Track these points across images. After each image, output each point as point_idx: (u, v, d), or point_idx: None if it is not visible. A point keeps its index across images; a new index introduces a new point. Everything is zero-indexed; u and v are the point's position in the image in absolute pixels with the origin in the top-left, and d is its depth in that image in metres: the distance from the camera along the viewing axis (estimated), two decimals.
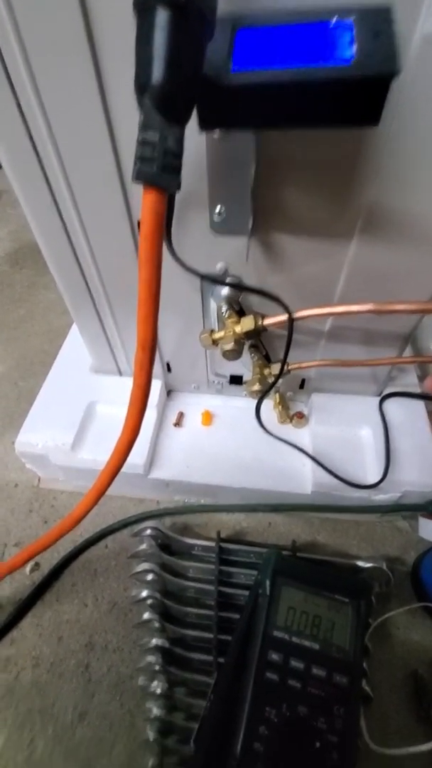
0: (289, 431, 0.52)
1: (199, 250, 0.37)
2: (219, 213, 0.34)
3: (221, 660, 0.39)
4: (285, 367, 0.43)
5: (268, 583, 0.38)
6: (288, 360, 0.41)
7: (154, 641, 0.41)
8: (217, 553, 0.45)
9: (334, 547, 0.50)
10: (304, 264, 0.38)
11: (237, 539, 0.50)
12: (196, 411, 0.55)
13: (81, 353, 0.54)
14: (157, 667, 0.40)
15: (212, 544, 0.46)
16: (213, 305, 0.42)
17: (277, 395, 0.54)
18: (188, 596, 0.44)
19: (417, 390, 0.51)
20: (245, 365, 0.50)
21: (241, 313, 0.41)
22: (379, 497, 0.46)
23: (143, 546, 0.46)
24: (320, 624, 0.37)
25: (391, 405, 0.51)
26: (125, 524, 0.51)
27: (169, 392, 0.58)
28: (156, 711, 0.38)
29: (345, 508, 0.47)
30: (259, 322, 0.39)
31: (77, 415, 0.51)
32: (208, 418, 0.54)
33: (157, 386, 0.54)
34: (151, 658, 0.40)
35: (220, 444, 0.52)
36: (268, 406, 0.55)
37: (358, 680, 0.35)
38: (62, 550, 0.50)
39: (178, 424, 0.54)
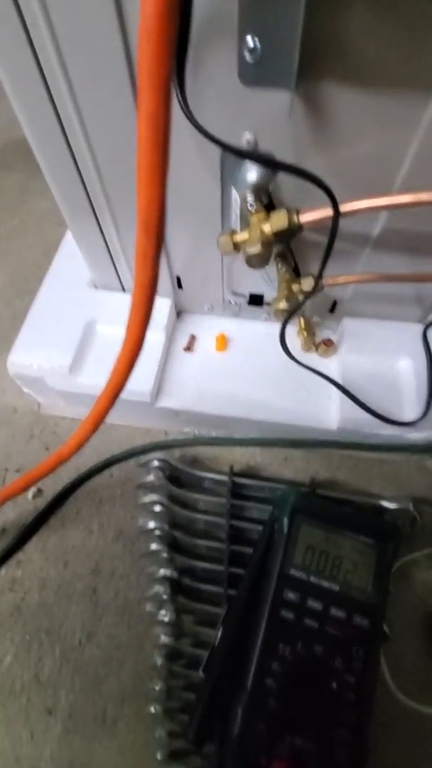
0: (313, 361, 0.46)
1: (220, 111, 0.28)
2: (252, 49, 0.24)
3: (232, 592, 0.38)
4: (320, 281, 0.36)
5: (286, 521, 0.35)
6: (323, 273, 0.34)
7: (162, 571, 0.40)
8: (229, 487, 0.42)
9: (355, 485, 0.47)
10: (362, 135, 0.28)
11: (250, 474, 0.47)
12: (209, 335, 0.49)
13: (77, 265, 0.47)
14: (164, 597, 0.39)
15: (224, 477, 0.43)
16: (235, 197, 0.34)
17: (302, 319, 0.47)
18: (198, 528, 0.42)
19: None
20: (268, 281, 0.43)
21: (270, 207, 0.33)
22: (413, 435, 0.41)
23: (150, 477, 0.43)
24: (341, 565, 0.34)
25: None
26: (131, 454, 0.47)
27: (179, 313, 0.51)
28: (164, 638, 0.37)
29: (375, 446, 0.43)
30: (294, 219, 0.31)
31: (75, 334, 0.45)
32: (222, 342, 0.48)
33: (165, 305, 0.47)
34: (158, 588, 0.39)
35: (236, 372, 0.46)
36: (291, 332, 0.48)
37: (380, 623, 0.32)
38: (66, 478, 0.47)
39: (189, 348, 0.48)
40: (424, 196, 0.28)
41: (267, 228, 0.32)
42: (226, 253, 0.34)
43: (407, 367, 0.43)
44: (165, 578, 0.39)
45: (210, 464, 0.48)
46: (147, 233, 0.20)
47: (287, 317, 0.37)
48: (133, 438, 0.49)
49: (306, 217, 0.31)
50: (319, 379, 0.45)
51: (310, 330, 0.47)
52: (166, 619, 0.38)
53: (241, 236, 0.33)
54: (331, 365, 0.46)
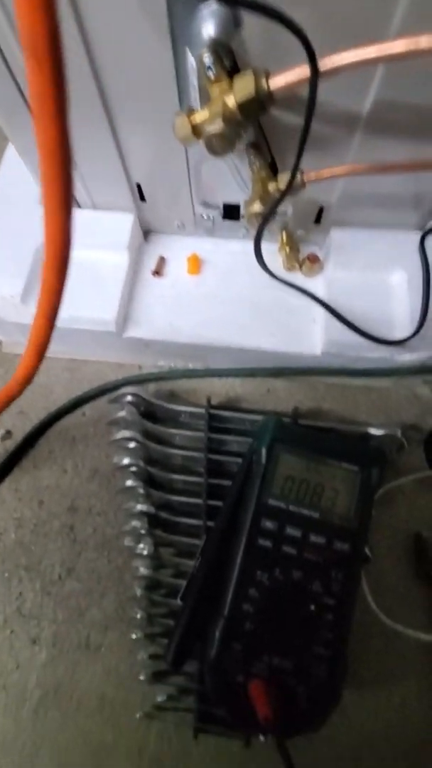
0: (297, 280, 0.42)
1: None
2: None
3: (211, 524, 0.37)
4: (299, 173, 0.30)
5: (264, 450, 0.33)
6: (305, 164, 0.28)
7: (139, 507, 0.38)
8: (206, 420, 0.39)
9: (341, 414, 0.44)
10: None
11: (230, 406, 0.44)
12: (180, 256, 0.43)
13: (25, 180, 0.40)
14: (142, 531, 0.38)
15: (201, 410, 0.40)
16: (191, 63, 0.27)
17: (284, 233, 0.42)
18: (175, 464, 0.40)
19: None
20: (243, 185, 0.37)
21: (234, 71, 0.27)
22: (404, 357, 0.38)
23: (122, 413, 0.40)
24: (322, 492, 0.32)
25: None
26: (103, 391, 0.44)
27: (146, 234, 0.45)
28: (143, 570, 0.36)
29: (362, 371, 0.39)
30: (263, 84, 0.25)
31: (25, 260, 0.40)
32: (195, 264, 0.43)
33: (127, 221, 0.41)
34: (136, 523, 0.38)
35: (211, 296, 0.42)
36: (272, 249, 0.43)
37: (361, 546, 0.31)
38: (35, 418, 0.44)
39: (158, 272, 0.43)
40: (423, 42, 0.22)
41: (230, 100, 0.26)
42: (184, 140, 0.28)
43: (401, 281, 0.38)
44: (142, 513, 0.38)
45: (188, 398, 0.45)
46: (34, 56, 0.15)
47: (263, 223, 0.32)
48: (104, 374, 0.46)
49: (278, 82, 0.24)
50: (303, 300, 0.41)
51: (293, 245, 0.42)
52: (145, 552, 0.37)
53: (201, 115, 0.27)
54: (316, 285, 0.41)
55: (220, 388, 0.46)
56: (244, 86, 0.25)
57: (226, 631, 0.29)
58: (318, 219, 0.40)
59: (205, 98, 0.27)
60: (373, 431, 0.39)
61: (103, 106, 0.31)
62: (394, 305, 0.38)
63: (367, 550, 0.37)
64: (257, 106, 0.26)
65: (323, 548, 0.31)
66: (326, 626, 0.29)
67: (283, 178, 0.32)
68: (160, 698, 0.34)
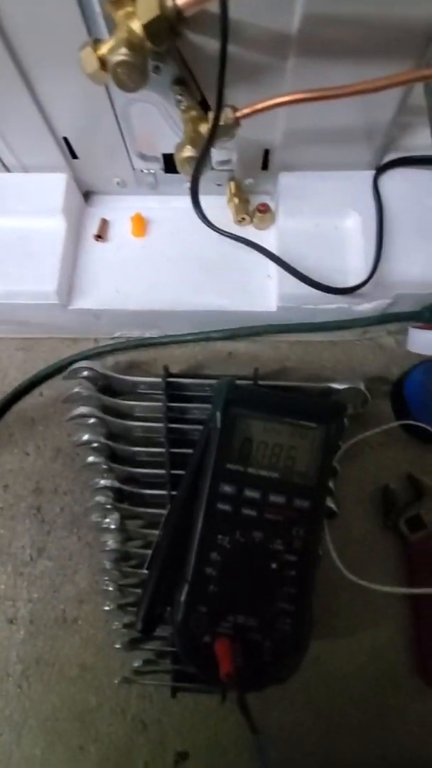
0: (249, 234, 0.39)
1: None
2: None
3: (175, 494, 0.36)
4: (229, 109, 0.28)
5: (218, 415, 0.32)
6: (237, 100, 0.25)
7: (102, 482, 0.38)
8: (164, 389, 0.38)
9: (305, 372, 0.43)
10: None
11: (189, 373, 0.43)
12: (125, 217, 0.40)
13: None
14: (108, 506, 0.37)
15: (158, 380, 0.38)
16: None
17: (232, 184, 0.39)
18: (136, 436, 0.39)
19: (431, 152, 0.36)
20: (176, 129, 0.34)
21: None
22: (363, 307, 0.36)
23: (76, 389, 0.39)
24: (281, 452, 0.31)
25: (390, 179, 0.36)
26: (59, 369, 0.42)
27: (87, 195, 0.42)
28: (111, 543, 0.36)
29: (320, 325, 0.38)
30: (168, 0, 0.22)
31: None
32: (140, 225, 0.40)
33: (59, 182, 0.38)
34: (101, 498, 0.37)
35: (159, 258, 0.39)
36: (220, 202, 0.40)
37: (322, 502, 0.31)
38: None
39: (100, 236, 0.40)
40: None
41: (135, 24, 0.23)
42: (93, 76, 0.25)
43: (354, 224, 0.36)
44: (106, 488, 0.37)
45: (148, 368, 0.44)
46: None
47: (198, 169, 0.29)
48: (59, 351, 0.44)
49: None
50: (256, 255, 0.39)
51: (242, 196, 0.39)
52: (112, 525, 0.37)
53: (107, 45, 0.24)
54: (269, 238, 0.39)
55: (180, 356, 0.44)
56: (147, 5, 0.22)
57: (190, 595, 0.29)
58: (265, 164, 0.37)
59: (113, 27, 0.24)
60: (336, 386, 0.38)
61: (6, 49, 0.28)
62: (348, 252, 0.36)
63: (332, 505, 0.37)
64: (166, 28, 0.23)
65: (283, 507, 0.30)
66: (289, 582, 0.29)
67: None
68: (136, 664, 0.35)
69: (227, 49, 0.22)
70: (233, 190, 0.39)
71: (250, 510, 0.30)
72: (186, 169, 0.30)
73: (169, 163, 0.38)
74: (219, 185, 0.40)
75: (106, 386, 0.41)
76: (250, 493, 0.31)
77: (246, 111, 0.28)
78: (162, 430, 0.38)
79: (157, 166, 0.39)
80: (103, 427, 0.39)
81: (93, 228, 0.40)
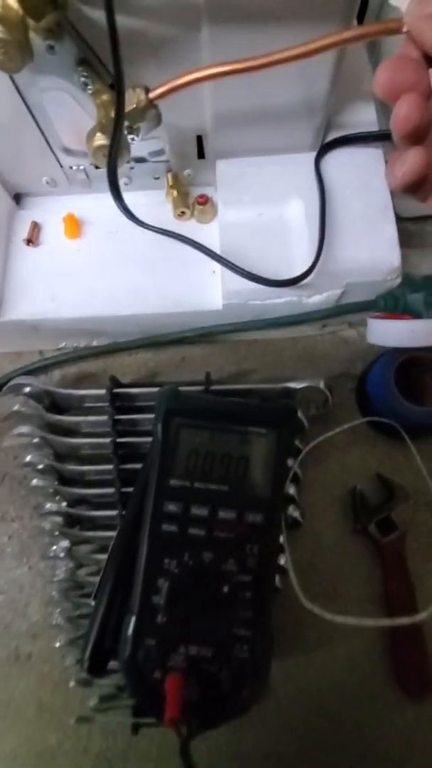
0: (191, 230, 0.37)
1: None
2: None
3: None
4: (141, 90, 0.25)
5: (159, 427, 0.29)
6: (151, 80, 0.23)
7: (48, 506, 0.35)
8: (109, 400, 0.35)
9: (264, 373, 0.41)
10: None
11: (138, 383, 0.40)
12: (58, 219, 0.38)
13: None
14: (56, 532, 0.34)
15: (103, 392, 0.36)
16: None
17: (169, 175, 0.36)
18: (84, 454, 0.37)
19: (374, 128, 0.33)
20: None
21: None
22: (314, 300, 0.34)
23: (17, 407, 0.36)
24: (230, 463, 0.29)
25: (333, 161, 0.34)
26: (0, 385, 0.40)
27: (18, 198, 0.39)
28: (60, 573, 0.34)
29: (271, 322, 0.35)
30: None
31: None
32: (73, 226, 0.37)
33: None
34: (47, 524, 0.35)
35: (96, 260, 0.37)
36: (160, 197, 0.38)
37: (276, 514, 0.29)
38: None
39: (31, 241, 0.37)
40: None
41: None
42: None
43: (298, 211, 0.33)
44: (53, 512, 0.35)
45: (98, 380, 0.41)
46: None
47: (112, 159, 0.27)
48: (1, 366, 0.41)
49: None
50: (199, 253, 0.36)
51: (180, 189, 0.36)
52: (61, 554, 0.34)
53: None
54: (212, 232, 0.36)
55: (131, 365, 0.41)
56: None
57: (137, 627, 0.27)
58: (201, 152, 0.35)
59: None
60: (293, 385, 0.35)
61: None
62: (293, 242, 0.33)
63: (296, 514, 0.35)
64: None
65: (234, 523, 0.28)
66: (244, 605, 0.27)
67: (129, 96, 0.26)
68: (92, 702, 0.32)
69: (125, 22, 0.20)
70: (170, 182, 0.36)
71: (198, 529, 0.28)
72: (100, 158, 0.27)
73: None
74: (157, 178, 0.37)
75: (52, 402, 0.38)
76: (198, 511, 0.28)
77: (160, 91, 0.25)
78: (109, 445, 0.35)
79: (86, 162, 0.36)
80: (48, 446, 0.36)
81: (25, 232, 0.37)
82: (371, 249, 0.31)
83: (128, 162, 0.36)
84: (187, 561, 0.27)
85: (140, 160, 0.36)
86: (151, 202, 0.37)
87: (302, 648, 0.34)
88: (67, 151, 0.35)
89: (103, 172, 0.36)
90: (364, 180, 0.33)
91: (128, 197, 0.38)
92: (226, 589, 0.27)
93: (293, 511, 0.34)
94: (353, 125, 0.34)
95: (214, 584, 0.27)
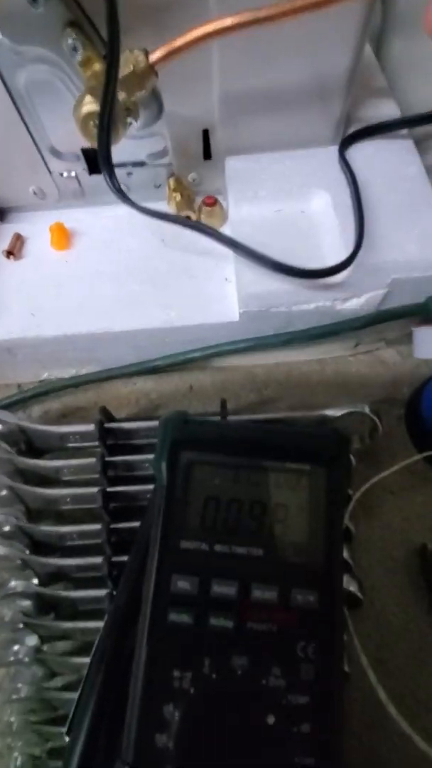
0: (197, 238, 0.32)
1: None
2: None
3: None
4: (141, 53, 0.21)
5: (164, 465, 0.21)
6: (150, 42, 0.18)
7: (14, 584, 0.26)
8: (98, 438, 0.28)
9: (289, 401, 0.33)
10: None
11: (135, 417, 0.33)
12: (44, 231, 0.33)
13: None
14: (20, 624, 0.25)
15: (92, 428, 0.28)
16: None
17: (172, 180, 0.32)
18: (65, 510, 0.28)
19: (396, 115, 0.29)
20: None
21: None
22: (351, 305, 0.27)
23: None
24: (264, 514, 0.21)
25: (359, 152, 0.30)
26: None
27: (2, 212, 0.35)
28: (22, 687, 0.23)
29: (296, 336, 0.29)
30: None
31: None
32: (62, 235, 0.32)
33: None
34: (8, 612, 0.25)
35: (87, 273, 0.31)
36: (160, 208, 0.33)
37: (337, 589, 0.20)
38: None
39: (12, 253, 0.32)
40: None
41: None
42: None
43: (324, 204, 0.28)
44: (19, 594, 0.26)
45: (88, 416, 0.34)
46: None
47: (104, 125, 0.22)
48: None
49: None
50: (211, 259, 0.31)
51: (184, 192, 0.32)
52: (26, 658, 0.24)
53: None
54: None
55: (128, 396, 0.34)
56: None
57: None
58: (208, 152, 0.31)
59: None
60: (331, 413, 0.28)
61: None
62: (321, 236, 0.28)
63: (353, 588, 0.25)
64: None
65: (276, 608, 0.19)
66: (301, 746, 0.17)
67: (123, 60, 0.22)
68: None
69: None
70: (173, 186, 0.32)
71: (222, 619, 0.19)
72: (90, 131, 0.22)
73: (93, 162, 0.31)
74: (158, 187, 0.33)
75: (28, 444, 0.30)
76: (222, 588, 0.19)
77: (161, 53, 0.21)
78: (98, 496, 0.27)
79: (79, 167, 0.32)
80: (17, 501, 0.28)
81: (3, 243, 0.32)
82: (420, 239, 0.26)
83: (125, 167, 0.32)
84: (208, 673, 0.18)
85: (139, 164, 0.32)
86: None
87: None
88: (57, 154, 0.31)
89: (96, 180, 0.33)
90: (396, 169, 0.29)
91: (124, 210, 0.34)
92: (272, 720, 0.17)
93: (348, 584, 0.25)
94: (374, 120, 0.30)
95: (251, 712, 0.17)
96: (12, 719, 0.23)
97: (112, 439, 0.29)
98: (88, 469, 0.28)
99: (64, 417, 0.34)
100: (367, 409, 0.28)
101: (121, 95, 0.24)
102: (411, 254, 0.26)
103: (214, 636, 0.18)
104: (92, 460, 0.27)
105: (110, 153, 0.23)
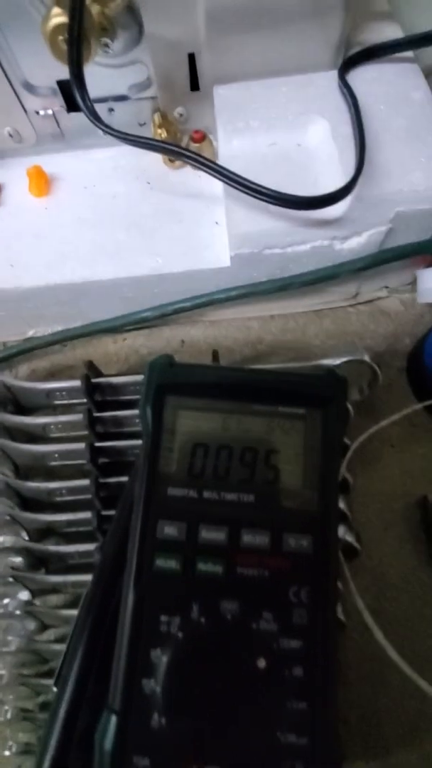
0: (185, 179, 0.30)
1: None
2: None
3: None
4: None
5: (149, 411, 0.20)
6: None
7: (3, 539, 0.25)
8: (85, 393, 0.27)
9: (285, 356, 0.32)
10: None
11: (131, 371, 0.31)
12: (21, 176, 0.31)
13: None
14: (10, 578, 0.24)
15: (78, 383, 0.27)
16: None
17: (157, 115, 0.30)
18: (54, 466, 0.27)
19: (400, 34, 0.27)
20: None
21: None
22: (351, 244, 0.25)
23: None
24: (255, 460, 0.20)
25: (360, 75, 0.27)
26: None
27: None
28: (13, 640, 0.23)
29: (291, 281, 0.27)
30: None
31: None
32: (40, 180, 0.30)
33: None
34: (1, 566, 0.25)
35: (68, 220, 0.29)
36: (143, 151, 0.31)
37: (331, 534, 0.19)
38: None
39: None
40: None
41: None
42: None
43: (323, 133, 0.26)
44: (8, 548, 0.25)
45: (76, 374, 0.32)
46: None
47: (75, 41, 0.20)
48: None
49: None
50: (200, 202, 0.29)
51: (170, 127, 0.29)
52: (17, 611, 0.24)
53: None
54: (211, 179, 0.29)
55: (117, 353, 0.33)
56: None
57: (119, 737, 0.16)
58: (195, 82, 0.28)
59: None
60: (328, 362, 0.27)
61: None
62: (319, 171, 0.25)
63: (350, 538, 0.25)
64: None
65: (268, 553, 0.18)
66: (293, 691, 0.17)
67: None
68: None
69: None
70: (158, 122, 0.29)
71: (212, 564, 0.18)
72: (59, 47, 0.20)
73: (71, 97, 0.29)
74: (142, 125, 0.31)
75: (15, 403, 0.29)
76: (211, 534, 0.18)
77: None
78: (86, 452, 0.26)
79: (57, 104, 0.29)
80: (5, 458, 0.27)
81: None
82: (426, 167, 0.24)
83: (106, 102, 0.30)
84: (196, 618, 0.17)
85: (121, 98, 0.29)
86: (135, 152, 0.30)
87: (375, 750, 0.23)
88: (31, 89, 0.28)
89: (76, 118, 0.30)
90: (401, 93, 0.26)
91: (107, 153, 0.32)
92: (262, 663, 0.17)
93: (345, 535, 0.24)
94: (378, 37, 0.27)
95: (242, 657, 0.17)
96: (2, 673, 0.23)
97: (100, 395, 0.28)
98: (77, 425, 0.27)
99: (52, 376, 0.32)
100: (366, 357, 0.27)
101: (94, 7, 0.21)
102: (416, 184, 0.23)
103: (203, 581, 0.18)
104: (79, 416, 0.26)
105: (82, 70, 0.21)
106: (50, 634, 0.24)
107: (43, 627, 0.24)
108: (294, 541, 0.18)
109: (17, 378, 0.32)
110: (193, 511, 0.19)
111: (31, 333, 0.33)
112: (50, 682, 0.22)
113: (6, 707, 0.22)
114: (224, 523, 0.18)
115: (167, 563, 0.18)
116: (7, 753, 0.22)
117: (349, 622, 0.23)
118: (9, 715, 0.22)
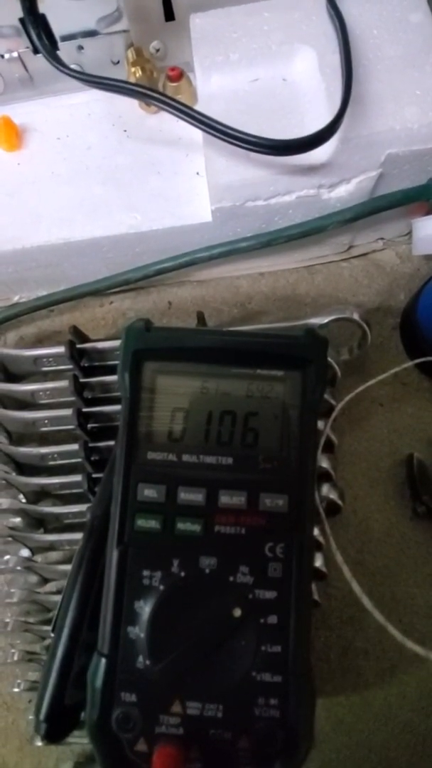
0: (161, 123, 0.27)
1: None
2: None
3: None
4: None
5: (126, 377, 0.20)
6: None
7: (1, 501, 0.26)
8: (70, 359, 0.26)
9: (277, 315, 0.31)
10: None
11: (119, 335, 0.31)
12: None
13: None
14: (9, 537, 0.26)
15: (62, 349, 0.27)
16: None
17: (131, 51, 0.27)
18: (45, 432, 0.28)
19: None
20: None
21: None
22: (339, 192, 0.24)
23: None
24: (233, 423, 0.20)
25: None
26: None
27: None
28: (15, 592, 0.25)
29: (276, 235, 0.26)
30: None
31: None
32: (11, 134, 0.28)
33: None
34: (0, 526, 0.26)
35: (42, 176, 0.28)
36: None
37: (306, 494, 0.19)
38: None
39: None
40: None
41: None
42: None
43: (309, 65, 0.23)
44: (7, 510, 0.26)
45: (64, 340, 0.32)
46: None
47: None
48: None
49: None
50: (180, 151, 0.27)
51: (145, 65, 0.27)
52: (18, 567, 0.25)
53: None
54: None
55: (104, 317, 0.32)
56: None
57: (108, 676, 0.18)
58: (169, 10, 0.25)
59: None
60: (315, 321, 0.26)
61: None
62: (306, 111, 0.23)
63: (333, 495, 0.25)
64: None
65: (244, 512, 0.18)
66: (269, 636, 0.18)
67: None
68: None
69: None
70: (132, 59, 0.27)
71: (191, 523, 0.18)
72: None
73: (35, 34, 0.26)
74: (116, 63, 0.28)
75: (3, 370, 0.29)
76: (189, 495, 0.19)
77: None
78: (73, 417, 0.26)
79: (22, 45, 0.27)
80: None
81: None
82: (423, 101, 0.21)
83: (75, 40, 0.27)
84: (177, 572, 0.18)
85: (90, 33, 0.27)
86: (109, 96, 0.28)
87: (355, 685, 0.24)
88: None
89: (48, 64, 0.28)
90: (396, 16, 0.23)
91: (80, 98, 0.29)
92: (238, 612, 0.17)
93: (328, 492, 0.25)
94: None
95: (220, 606, 0.18)
96: (7, 620, 0.25)
97: (87, 361, 0.28)
98: (65, 391, 0.27)
99: (40, 342, 0.32)
100: (355, 315, 0.26)
101: None
102: (411, 120, 0.21)
103: (182, 539, 0.18)
104: (65, 382, 0.26)
105: (35, 3, 0.19)
106: (51, 586, 0.25)
107: (44, 580, 0.25)
108: (270, 500, 0.19)
109: (5, 345, 0.32)
110: (172, 474, 0.19)
111: (16, 299, 0.32)
112: (45, 628, 0.24)
113: (13, 650, 0.24)
114: (203, 485, 0.19)
115: (148, 523, 0.19)
116: (16, 690, 0.24)
117: (333, 572, 0.24)
118: (16, 657, 0.24)
